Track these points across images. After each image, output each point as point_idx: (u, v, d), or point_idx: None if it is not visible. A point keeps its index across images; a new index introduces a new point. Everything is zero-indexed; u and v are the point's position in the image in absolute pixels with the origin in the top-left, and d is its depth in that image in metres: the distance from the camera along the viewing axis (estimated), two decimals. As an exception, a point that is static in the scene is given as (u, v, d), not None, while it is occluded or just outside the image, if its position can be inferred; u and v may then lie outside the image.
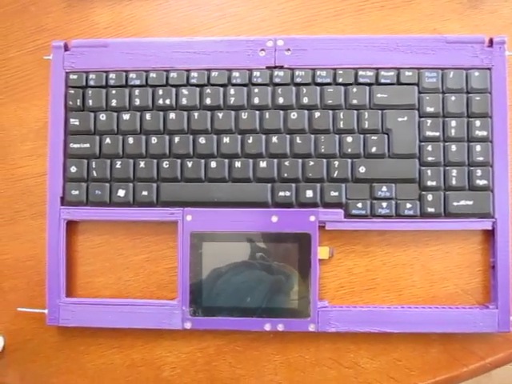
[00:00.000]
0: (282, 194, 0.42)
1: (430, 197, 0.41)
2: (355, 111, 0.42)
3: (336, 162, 0.42)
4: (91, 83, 0.43)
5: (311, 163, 0.42)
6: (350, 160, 0.42)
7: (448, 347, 0.42)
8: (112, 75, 0.43)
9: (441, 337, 0.42)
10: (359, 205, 0.41)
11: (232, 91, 0.42)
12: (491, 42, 0.42)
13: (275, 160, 0.42)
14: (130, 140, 0.43)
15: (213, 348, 0.43)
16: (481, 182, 0.41)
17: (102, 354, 0.44)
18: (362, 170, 0.42)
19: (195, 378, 0.43)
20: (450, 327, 0.41)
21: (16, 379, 0.44)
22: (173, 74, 0.43)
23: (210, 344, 0.43)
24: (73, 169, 0.43)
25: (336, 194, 0.41)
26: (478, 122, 0.41)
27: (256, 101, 0.42)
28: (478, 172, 0.41)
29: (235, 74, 0.42)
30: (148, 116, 0.43)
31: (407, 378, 0.42)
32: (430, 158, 0.41)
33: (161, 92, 0.43)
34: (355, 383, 0.42)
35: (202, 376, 0.43)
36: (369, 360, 0.42)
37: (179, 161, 0.42)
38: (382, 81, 0.42)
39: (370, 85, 0.42)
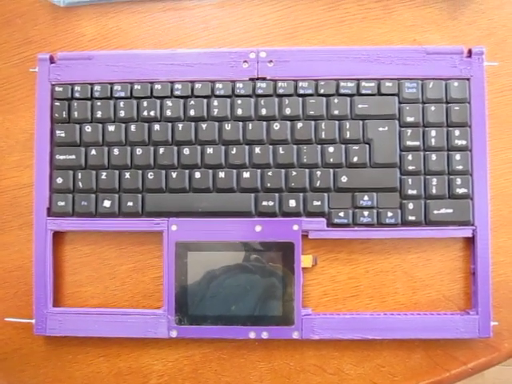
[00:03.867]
0: (265, 203, 0.42)
1: (410, 205, 0.42)
2: (337, 122, 0.42)
3: (318, 172, 0.42)
4: (76, 95, 0.44)
5: (294, 173, 0.42)
6: (331, 170, 0.42)
7: (430, 353, 0.43)
8: (97, 87, 0.44)
9: (423, 343, 0.43)
10: (341, 214, 0.42)
11: (215, 103, 0.43)
12: (470, 52, 0.43)
13: (258, 170, 0.42)
14: (116, 151, 0.43)
15: (199, 356, 0.44)
16: (460, 191, 0.42)
17: (90, 362, 0.44)
18: (343, 179, 0.42)
19: (182, 385, 0.44)
20: (432, 333, 0.42)
21: (4, 388, 0.45)
22: (157, 86, 0.43)
23: (195, 352, 0.44)
24: (59, 180, 0.43)
25: (318, 203, 0.42)
26: (457, 132, 0.42)
27: (239, 112, 0.43)
28: (458, 180, 0.42)
29: (218, 85, 0.43)
30: (133, 127, 0.43)
31: (390, 384, 0.43)
32: (410, 167, 0.42)
33: (145, 104, 0.43)
34: (339, 389, 0.43)
35: (188, 384, 0.44)
36: (352, 366, 0.43)
37: (164, 171, 0.43)
38: (363, 91, 0.43)
39: (351, 95, 0.43)
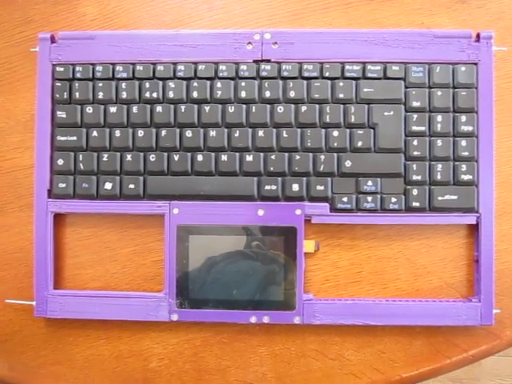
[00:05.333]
0: (268, 187, 0.42)
1: (415, 191, 0.41)
2: (342, 105, 0.42)
3: (322, 156, 0.42)
4: (78, 76, 0.43)
5: (297, 157, 0.42)
6: (335, 154, 0.42)
7: (431, 340, 0.43)
8: (99, 68, 0.43)
9: (425, 329, 0.43)
10: (345, 199, 0.42)
11: (219, 84, 0.42)
12: (478, 36, 0.42)
13: (261, 154, 0.42)
14: (117, 133, 0.43)
15: (199, 340, 0.44)
16: (465, 177, 0.41)
17: (90, 345, 0.44)
18: (347, 164, 0.42)
19: (182, 369, 0.44)
20: (433, 320, 0.42)
21: (5, 370, 0.44)
22: (159, 67, 0.43)
23: (196, 336, 0.44)
24: (60, 161, 0.43)
25: (322, 187, 0.42)
26: (463, 117, 0.42)
27: (243, 94, 0.42)
28: (463, 167, 0.41)
29: (222, 67, 0.42)
30: (135, 109, 0.43)
31: (391, 370, 0.43)
32: (415, 153, 0.42)
33: (147, 85, 0.43)
34: (340, 374, 0.43)
35: (188, 367, 0.44)
36: (353, 352, 0.43)
37: (166, 154, 0.42)
38: (369, 75, 0.42)
39: (356, 79, 0.42)
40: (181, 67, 0.43)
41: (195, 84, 0.42)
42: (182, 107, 0.42)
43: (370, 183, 0.42)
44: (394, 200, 0.42)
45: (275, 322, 0.42)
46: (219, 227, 0.42)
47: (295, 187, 0.42)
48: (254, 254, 0.42)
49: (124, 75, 0.43)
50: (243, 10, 0.45)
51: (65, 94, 0.43)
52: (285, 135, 0.42)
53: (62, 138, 0.43)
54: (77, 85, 0.43)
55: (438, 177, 0.41)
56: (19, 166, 0.45)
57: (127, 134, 0.43)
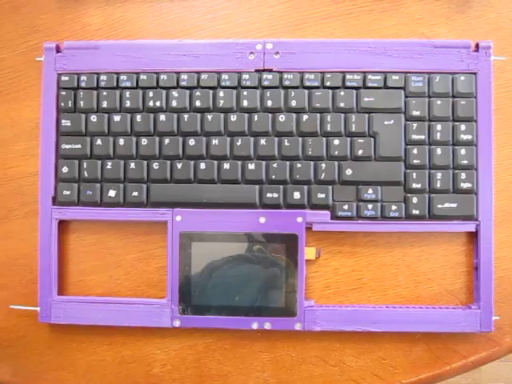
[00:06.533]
0: (269, 195, 0.42)
1: (414, 199, 0.42)
2: (342, 114, 0.42)
3: (323, 165, 0.42)
4: (82, 85, 0.44)
5: (299, 165, 0.42)
6: (336, 162, 0.42)
7: (431, 346, 0.43)
8: (103, 77, 0.44)
9: (425, 336, 0.43)
10: (345, 206, 0.42)
11: (221, 94, 0.43)
12: (477, 46, 0.43)
13: (263, 162, 0.43)
14: (121, 141, 0.43)
15: (202, 346, 0.44)
16: (465, 185, 0.42)
17: (94, 350, 0.45)
18: (348, 172, 0.42)
19: (184, 374, 0.44)
20: (433, 327, 0.42)
21: (9, 375, 0.45)
22: (163, 77, 0.43)
23: (198, 342, 0.44)
24: (64, 169, 0.43)
25: (323, 195, 0.42)
26: (463, 126, 0.42)
27: (245, 103, 0.43)
28: (463, 175, 0.42)
29: (224, 76, 0.43)
30: (138, 118, 0.43)
31: (391, 376, 0.43)
32: (415, 161, 0.42)
33: (151, 94, 0.43)
34: (340, 381, 0.43)
35: (191, 373, 0.44)
36: (354, 358, 0.43)
37: (169, 162, 0.43)
38: (369, 84, 0.42)
39: (357, 88, 0.43)
40: (184, 76, 0.43)
41: (198, 93, 0.43)
42: (185, 116, 0.43)
43: (370, 191, 0.42)
44: (394, 208, 0.42)
45: (276, 328, 0.42)
46: (221, 234, 0.42)
47: (296, 195, 0.42)
48: (256, 261, 0.42)
49: (128, 84, 0.43)
50: (245, 20, 0.45)
51: (69, 102, 0.44)
52: (286, 144, 0.42)
53: (67, 146, 0.44)
54: (81, 94, 0.44)
55: (438, 185, 0.42)
56: (24, 174, 0.46)
57: (131, 143, 0.43)
